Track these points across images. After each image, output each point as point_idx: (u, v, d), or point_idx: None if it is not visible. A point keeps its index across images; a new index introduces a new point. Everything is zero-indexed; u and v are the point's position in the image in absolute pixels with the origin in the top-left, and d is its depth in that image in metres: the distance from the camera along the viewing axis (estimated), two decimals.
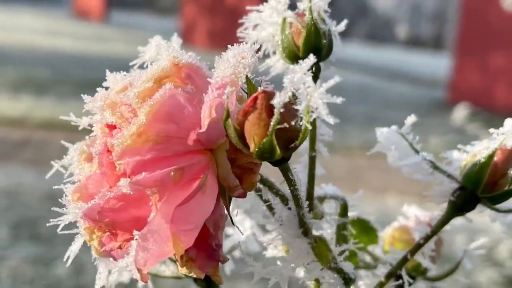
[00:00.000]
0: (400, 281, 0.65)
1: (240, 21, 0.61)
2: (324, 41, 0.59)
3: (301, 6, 0.60)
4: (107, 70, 0.53)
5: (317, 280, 0.59)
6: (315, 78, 0.59)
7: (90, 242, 0.50)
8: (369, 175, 7.06)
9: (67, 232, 0.51)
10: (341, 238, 0.64)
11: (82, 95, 0.52)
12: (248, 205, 0.61)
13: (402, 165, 0.59)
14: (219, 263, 0.50)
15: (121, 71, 0.53)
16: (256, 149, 0.46)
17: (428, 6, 48.70)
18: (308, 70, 0.47)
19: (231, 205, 0.51)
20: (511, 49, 12.78)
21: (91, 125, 0.52)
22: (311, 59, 0.48)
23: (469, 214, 0.58)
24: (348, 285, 0.58)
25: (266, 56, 0.62)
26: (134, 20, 37.41)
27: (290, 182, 0.52)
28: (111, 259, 0.49)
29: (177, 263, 0.49)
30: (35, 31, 20.91)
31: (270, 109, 0.46)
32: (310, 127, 0.46)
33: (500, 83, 13.21)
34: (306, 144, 0.60)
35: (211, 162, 0.48)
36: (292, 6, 0.60)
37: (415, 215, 0.71)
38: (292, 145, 0.47)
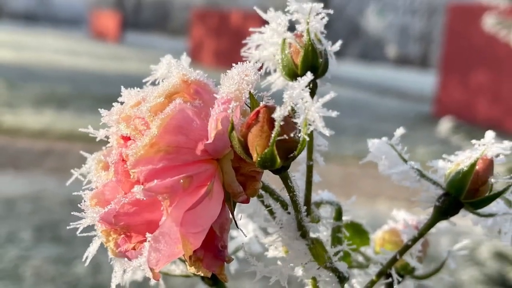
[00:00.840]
0: (390, 279, 0.65)
1: (243, 41, 0.61)
2: (321, 60, 0.59)
3: (300, 28, 0.60)
4: (122, 87, 0.53)
5: (314, 279, 0.59)
6: (312, 93, 0.59)
7: (106, 244, 0.50)
8: (361, 182, 7.06)
9: (85, 234, 0.51)
10: (336, 240, 0.64)
11: (99, 109, 0.52)
12: (251, 210, 0.61)
13: (391, 173, 0.59)
14: (225, 262, 0.50)
15: (135, 87, 0.53)
16: (259, 159, 0.46)
17: (415, 28, 48.74)
18: (306, 86, 0.47)
19: (235, 209, 0.51)
20: (491, 67, 12.79)
21: (107, 137, 0.52)
22: (309, 76, 0.48)
23: (453, 218, 0.58)
24: (343, 283, 0.58)
25: (267, 73, 0.62)
26: (147, 40, 37.53)
27: (289, 189, 0.53)
28: (125, 259, 0.49)
29: (186, 262, 0.49)
30: (57, 51, 21.00)
31: (271, 122, 0.46)
32: (307, 139, 0.46)
33: (481, 98, 13.22)
34: (304, 154, 0.60)
35: (217, 170, 0.48)
36: (291, 28, 0.60)
37: (403, 219, 0.71)
38: (291, 155, 0.47)
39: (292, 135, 0.46)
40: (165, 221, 0.46)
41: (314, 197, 0.63)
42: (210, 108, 0.48)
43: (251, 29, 0.62)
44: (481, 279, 2.37)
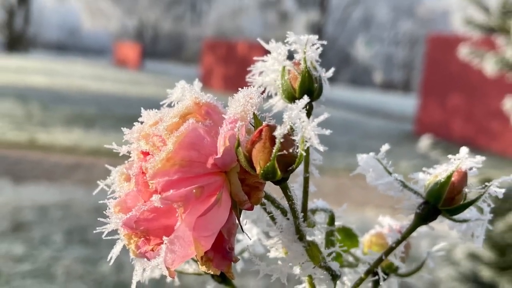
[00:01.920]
0: (377, 277, 0.65)
1: (248, 68, 0.61)
2: (316, 84, 0.60)
3: (297, 56, 0.60)
4: (142, 108, 0.53)
5: (310, 276, 0.59)
6: (308, 114, 0.59)
7: (128, 246, 0.50)
8: (351, 192, 7.05)
9: (110, 237, 0.51)
10: (329, 242, 0.63)
11: (122, 128, 0.52)
12: (255, 216, 0.61)
13: (378, 184, 0.59)
14: (232, 262, 0.50)
15: (153, 109, 0.53)
16: (261, 171, 0.47)
17: (399, 57, 48.77)
18: (303, 108, 0.47)
19: (241, 216, 0.51)
20: (466, 91, 12.80)
21: (129, 152, 0.52)
22: (305, 99, 0.49)
23: (432, 223, 0.58)
24: (335, 280, 0.58)
25: (269, 96, 0.62)
26: (163, 68, 37.57)
27: (289, 198, 0.53)
28: (145, 259, 0.49)
29: (198, 262, 0.49)
30: (84, 77, 21.05)
31: (272, 139, 0.46)
32: (304, 154, 0.46)
33: (456, 119, 13.22)
34: (301, 167, 0.59)
35: (225, 181, 0.48)
36: (290, 57, 0.61)
37: (388, 224, 0.71)
38: (290, 168, 0.48)
39: (291, 150, 0.47)
40: (180, 226, 0.46)
41: (310, 205, 0.63)
42: (219, 127, 0.48)
43: (255, 58, 0.62)
44: (456, 277, 2.36)
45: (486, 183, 0.55)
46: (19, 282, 3.51)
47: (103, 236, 0.51)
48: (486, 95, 11.90)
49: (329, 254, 0.59)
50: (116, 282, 3.61)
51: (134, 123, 0.52)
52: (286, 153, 0.47)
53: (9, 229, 4.42)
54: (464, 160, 0.56)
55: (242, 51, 21.64)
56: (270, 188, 0.53)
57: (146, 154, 0.50)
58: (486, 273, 2.25)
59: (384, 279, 0.67)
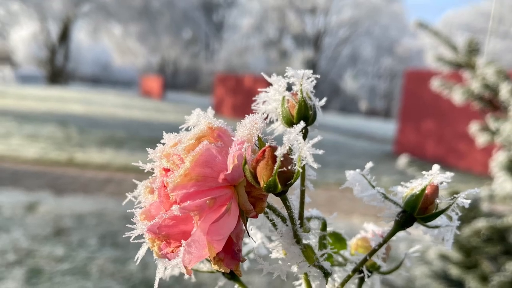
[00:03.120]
0: (362, 275, 0.65)
1: (253, 98, 0.62)
2: (311, 112, 0.60)
3: (295, 88, 0.60)
4: (163, 132, 0.53)
5: (305, 274, 0.59)
6: (304, 137, 0.59)
7: (152, 248, 0.50)
8: (341, 202, 7.02)
9: (137, 241, 0.51)
10: (322, 245, 0.63)
11: (147, 148, 0.52)
12: (259, 223, 0.61)
13: (363, 196, 0.59)
14: (240, 262, 0.50)
15: (173, 132, 0.53)
16: (265, 185, 0.47)
17: (381, 88, 48.79)
18: (300, 132, 0.48)
19: (247, 222, 0.51)
20: (437, 117, 12.78)
21: (153, 169, 0.52)
22: (302, 124, 0.49)
23: (409, 229, 0.58)
24: (327, 277, 0.57)
25: (271, 122, 0.62)
26: (182, 97, 37.59)
27: (287, 207, 0.53)
28: (166, 259, 0.49)
29: (211, 262, 0.49)
30: (115, 105, 21.08)
31: (274, 158, 0.46)
32: (301, 170, 0.47)
33: (429, 141, 13.19)
34: (298, 181, 0.59)
35: (234, 194, 0.48)
36: (289, 88, 0.61)
37: (372, 230, 0.71)
38: (289, 182, 0.48)
39: (289, 167, 0.47)
40: (196, 231, 0.47)
41: (306, 213, 0.63)
42: (229, 148, 0.49)
43: (259, 89, 0.62)
44: (429, 275, 2.35)
45: (454, 195, 0.55)
46: (59, 279, 3.50)
47: (131, 239, 0.51)
48: (455, 121, 11.89)
49: (322, 255, 0.59)
50: (142, 279, 3.60)
51: (157, 144, 0.52)
52: (286, 169, 0.47)
53: (52, 234, 4.42)
54: (435, 175, 0.56)
55: (248, 83, 21.66)
56: (272, 199, 0.53)
57: (167, 170, 0.50)
58: (454, 271, 2.24)
59: (368, 276, 0.67)
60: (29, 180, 6.55)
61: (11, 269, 3.60)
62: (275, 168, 0.46)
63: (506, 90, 2.15)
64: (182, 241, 0.47)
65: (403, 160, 2.52)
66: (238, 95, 22.20)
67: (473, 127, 2.39)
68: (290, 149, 0.47)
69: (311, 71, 0.60)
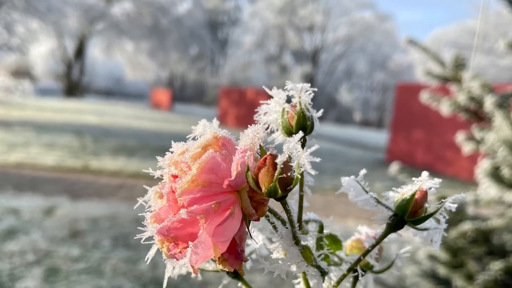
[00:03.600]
0: (356, 273, 0.65)
1: (255, 110, 0.62)
2: (309, 122, 0.60)
3: (294, 100, 0.60)
4: (172, 141, 0.53)
5: (304, 273, 0.59)
6: (303, 146, 0.59)
7: (161, 249, 0.50)
8: (336, 206, 7.01)
9: (147, 242, 0.51)
10: (319, 246, 0.63)
11: (157, 156, 0.52)
12: (261, 225, 0.61)
13: (357, 200, 0.59)
14: (243, 262, 0.50)
15: (181, 141, 0.53)
16: (266, 191, 0.47)
17: (374, 100, 48.83)
18: (298, 141, 0.48)
19: (250, 225, 0.51)
20: (426, 127, 12.78)
21: (162, 175, 0.52)
22: (300, 134, 0.49)
23: (400, 231, 0.58)
24: (323, 276, 0.57)
25: (272, 132, 0.63)
26: (189, 109, 37.61)
27: (287, 211, 0.53)
28: (175, 259, 0.49)
29: (216, 262, 0.49)
30: (127, 116, 21.09)
31: (274, 165, 0.47)
32: (299, 177, 0.47)
33: (418, 149, 13.19)
34: (297, 187, 0.59)
35: (237, 198, 0.48)
36: (288, 100, 0.61)
37: (365, 232, 0.71)
38: (289, 188, 0.48)
39: (289, 174, 0.47)
40: (202, 233, 0.47)
41: (304, 217, 0.63)
42: (233, 156, 0.49)
43: (261, 102, 0.62)
44: (419, 274, 2.34)
45: (442, 200, 0.55)
46: (75, 277, 3.50)
47: (142, 241, 0.51)
48: (443, 131, 11.89)
49: (319, 255, 0.59)
50: (152, 277, 3.59)
51: (166, 153, 0.52)
52: (285, 176, 0.47)
53: (68, 236, 4.41)
54: (425, 182, 0.56)
55: (251, 96, 21.67)
56: (273, 203, 0.53)
57: (175, 177, 0.50)
58: (442, 271, 2.24)
59: (362, 275, 0.67)
60: (47, 186, 6.55)
61: (31, 268, 3.59)
62: (275, 174, 0.47)
63: (490, 102, 2.15)
64: (189, 243, 0.47)
65: (394, 167, 2.52)
66: (241, 107, 22.22)
67: (460, 137, 2.40)
68: (290, 157, 0.48)
69: (309, 85, 0.61)
